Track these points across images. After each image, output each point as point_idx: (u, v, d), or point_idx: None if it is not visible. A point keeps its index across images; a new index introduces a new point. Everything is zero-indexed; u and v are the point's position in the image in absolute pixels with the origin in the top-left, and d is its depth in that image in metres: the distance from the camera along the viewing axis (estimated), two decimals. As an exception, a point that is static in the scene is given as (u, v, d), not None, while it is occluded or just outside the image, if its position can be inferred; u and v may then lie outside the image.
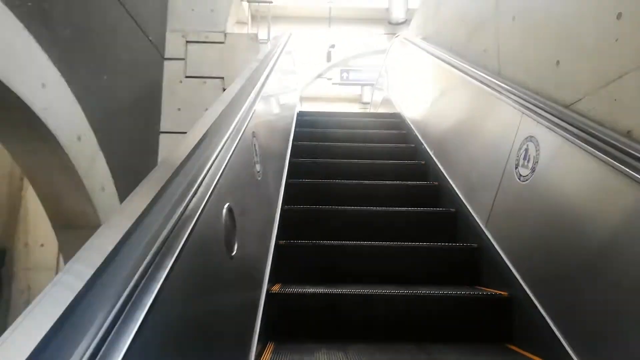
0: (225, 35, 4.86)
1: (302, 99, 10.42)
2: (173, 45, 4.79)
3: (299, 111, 5.16)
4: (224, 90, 4.82)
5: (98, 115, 3.33)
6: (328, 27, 10.73)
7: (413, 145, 4.02)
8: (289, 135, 4.09)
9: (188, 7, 4.87)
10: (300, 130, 4.41)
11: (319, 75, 10.96)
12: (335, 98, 16.17)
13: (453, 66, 3.22)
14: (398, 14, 10.28)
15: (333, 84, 11.67)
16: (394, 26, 10.75)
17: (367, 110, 6.59)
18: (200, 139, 1.22)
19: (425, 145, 3.64)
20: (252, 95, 2.13)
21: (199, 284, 1.01)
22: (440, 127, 3.48)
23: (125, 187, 3.84)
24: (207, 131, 1.32)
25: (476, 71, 2.78)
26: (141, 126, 4.36)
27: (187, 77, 4.75)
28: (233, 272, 1.33)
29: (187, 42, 4.81)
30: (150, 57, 4.50)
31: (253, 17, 10.45)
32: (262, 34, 5.81)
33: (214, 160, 1.23)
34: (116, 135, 3.83)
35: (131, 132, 4.15)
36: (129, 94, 4.12)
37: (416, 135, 3.91)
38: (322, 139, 4.29)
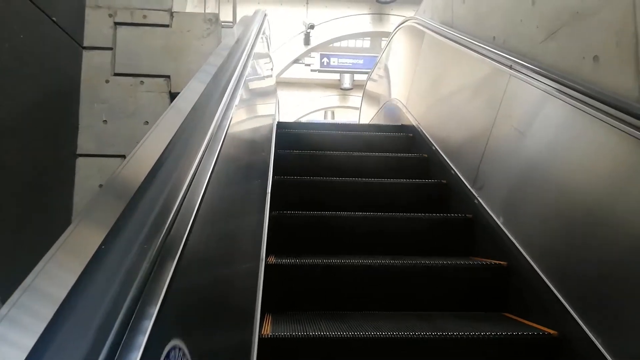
0: (172, 15, 3.44)
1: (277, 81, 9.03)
2: (95, 27, 3.35)
3: (278, 122, 3.82)
4: (171, 94, 3.44)
5: None
6: (305, 5, 9.28)
7: (461, 204, 2.64)
8: (267, 165, 2.75)
9: (116, -28, 3.41)
10: (282, 154, 3.09)
11: (296, 60, 9.55)
12: (312, 83, 14.75)
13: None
14: (387, -9, 8.95)
15: (312, 70, 10.28)
16: (381, 5, 9.39)
17: (367, 122, 5.27)
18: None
19: (491, 213, 2.32)
20: (222, 105, 1.39)
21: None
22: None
23: (17, 239, 2.49)
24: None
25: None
26: (45, 148, 2.95)
27: (116, 74, 3.33)
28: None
29: (117, 23, 3.37)
30: (59, 45, 3.06)
31: (218, -9, 8.91)
32: (226, 16, 4.38)
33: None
34: (4, 164, 2.46)
35: (29, 157, 2.75)
36: (24, 102, 2.71)
37: (459, 179, 2.62)
38: (315, 169, 2.98)
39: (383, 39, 12.18)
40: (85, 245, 0.64)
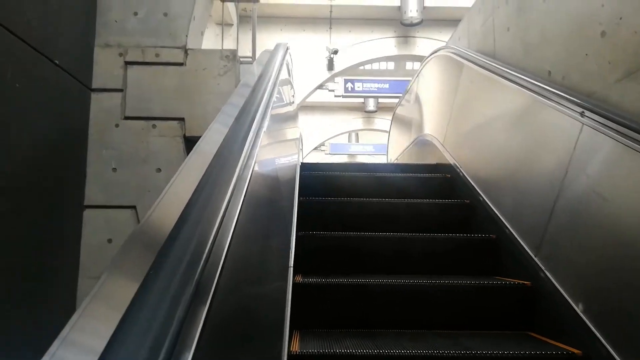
0: (186, 52, 3.19)
1: (299, 107, 8.78)
2: (105, 68, 3.12)
3: (302, 164, 3.49)
4: (185, 138, 3.17)
5: None
6: (328, 30, 9.07)
7: (518, 269, 2.25)
8: (290, 217, 2.41)
9: (127, 8, 3.19)
10: (306, 202, 2.75)
11: (319, 86, 9.31)
12: (336, 106, 14.53)
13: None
14: (412, 14, 8.64)
15: (336, 96, 10.02)
16: (407, 28, 9.10)
17: (397, 154, 4.90)
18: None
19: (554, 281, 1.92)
20: (245, 150, 1.33)
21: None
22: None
23: (17, 313, 2.22)
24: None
25: None
26: (50, 199, 2.70)
27: (126, 117, 3.08)
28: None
29: (127, 63, 3.13)
30: (64, 89, 2.82)
31: (241, 19, 8.79)
32: (244, 48, 4.13)
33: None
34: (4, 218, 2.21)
35: (30, 210, 2.49)
36: (26, 149, 2.47)
37: (515, 239, 2.22)
38: (345, 221, 2.64)
39: (408, 62, 11.88)
40: (119, 297, 0.64)
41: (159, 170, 3.01)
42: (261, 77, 2.47)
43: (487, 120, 2.68)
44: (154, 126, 3.07)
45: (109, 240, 2.93)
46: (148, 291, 0.64)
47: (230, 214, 1.03)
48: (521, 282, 2.00)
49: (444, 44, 9.12)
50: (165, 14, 3.21)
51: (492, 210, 2.46)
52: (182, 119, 3.09)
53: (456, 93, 3.21)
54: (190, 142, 3.08)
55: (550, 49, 2.35)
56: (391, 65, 13.14)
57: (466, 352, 1.56)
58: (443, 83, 3.70)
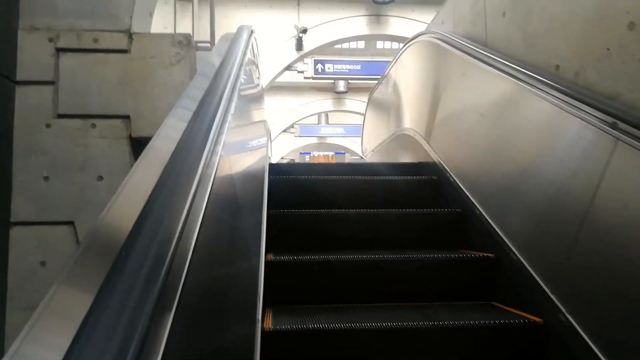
0: (131, 37, 2.70)
1: (267, 88, 8.28)
2: (31, 56, 2.60)
3: (271, 164, 3.09)
4: (132, 139, 2.70)
5: None
6: (297, 7, 8.53)
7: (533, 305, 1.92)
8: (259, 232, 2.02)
9: (58, -15, 2.66)
10: (276, 215, 2.36)
11: (288, 67, 8.80)
12: (305, 87, 14.02)
13: None
14: (385, -10, 8.20)
15: (305, 78, 9.54)
16: (379, 6, 8.65)
17: (373, 146, 4.50)
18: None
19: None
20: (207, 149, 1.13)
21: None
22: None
23: None
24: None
25: None
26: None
27: (59, 115, 2.59)
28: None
29: (59, 50, 2.62)
30: (-23, 84, 2.31)
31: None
32: (205, 31, 3.63)
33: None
34: None
35: None
36: None
37: (525, 270, 1.90)
38: (320, 235, 2.28)
39: (379, 41, 11.46)
40: (73, 308, 0.59)
41: (100, 178, 2.56)
42: (222, 66, 2.07)
43: (484, 120, 2.34)
44: (93, 126, 2.59)
45: (42, 263, 2.48)
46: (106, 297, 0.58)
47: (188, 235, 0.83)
48: (533, 321, 1.69)
49: (419, 24, 8.77)
50: (105, -9, 2.70)
51: (491, 226, 2.13)
52: (127, 117, 2.63)
53: (443, 85, 2.86)
54: (137, 144, 2.62)
55: (560, 39, 2.01)
56: (361, 44, 12.69)
57: None
58: (427, 73, 3.34)
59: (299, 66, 9.47)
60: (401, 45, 11.50)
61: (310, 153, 21.47)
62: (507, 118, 2.16)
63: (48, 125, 2.56)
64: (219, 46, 2.64)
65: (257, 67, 3.83)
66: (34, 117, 2.56)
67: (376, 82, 11.63)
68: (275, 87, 12.50)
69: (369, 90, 14.63)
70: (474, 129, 2.41)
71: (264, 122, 3.41)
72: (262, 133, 3.14)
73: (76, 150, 2.56)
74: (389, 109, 4.28)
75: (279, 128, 14.48)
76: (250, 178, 2.23)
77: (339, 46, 11.51)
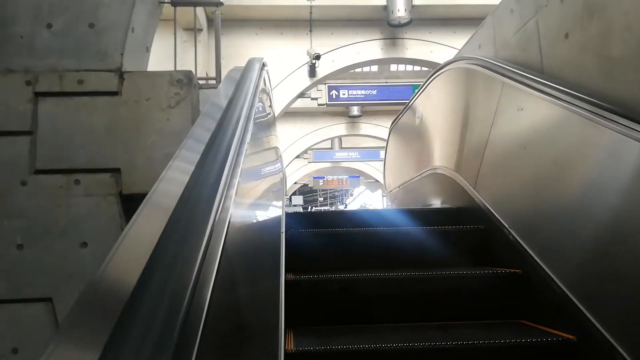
0: (121, 76, 2.31)
1: (279, 116, 7.91)
2: (5, 102, 2.22)
3: (289, 212, 2.65)
4: (123, 197, 2.28)
5: None
6: (309, 33, 8.22)
7: None
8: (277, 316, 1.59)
9: (38, 18, 2.30)
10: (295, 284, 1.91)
11: (301, 95, 8.45)
12: (318, 112, 13.68)
13: None
14: (400, 13, 7.85)
15: (319, 105, 9.18)
16: (394, 29, 8.30)
17: (398, 184, 4.05)
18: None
19: None
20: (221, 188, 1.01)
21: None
22: None
23: None
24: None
25: None
26: None
27: (37, 171, 2.19)
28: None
29: (38, 94, 2.24)
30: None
31: (210, 23, 7.88)
32: (210, 65, 3.25)
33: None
34: None
35: None
36: None
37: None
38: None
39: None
40: None
41: (84, 244, 2.14)
42: (230, 107, 1.69)
43: (556, 167, 1.87)
44: (77, 182, 2.19)
45: (14, 350, 2.05)
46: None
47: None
48: None
49: (436, 45, 8.38)
50: (92, 25, 2.33)
51: (572, 301, 1.65)
52: (116, 170, 2.22)
53: (489, 120, 2.40)
54: (129, 202, 2.21)
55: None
56: (375, 67, 12.36)
57: None
58: (465, 104, 2.89)
59: (313, 93, 9.13)
60: (420, 68, 11.12)
61: (324, 177, 21.13)
62: (591, 167, 1.69)
63: (24, 183, 2.16)
64: (225, 83, 2.24)
65: (270, 101, 3.44)
66: (7, 173, 2.17)
67: (393, 105, 11.28)
68: (288, 113, 12.19)
69: (385, 113, 14.33)
70: (541, 176, 1.95)
71: (279, 166, 2.98)
72: (278, 181, 2.71)
73: (56, 212, 2.15)
74: (416, 143, 3.84)
75: (291, 154, 14.12)
76: (266, 231, 1.82)
77: (352, 70, 11.19)
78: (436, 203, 3.17)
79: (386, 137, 14.12)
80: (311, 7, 7.87)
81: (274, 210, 2.23)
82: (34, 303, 2.09)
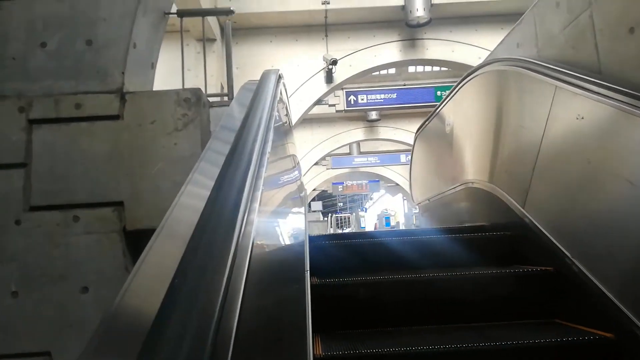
0: (123, 98, 2.07)
1: (296, 123, 7.66)
2: (-4, 133, 2.01)
3: (311, 237, 2.36)
4: (126, 234, 2.03)
5: None
6: (324, 38, 7.96)
7: None
8: None
9: (31, 37, 2.08)
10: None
11: (318, 102, 8.20)
12: (335, 117, 13.40)
13: None
14: (419, 13, 7.53)
15: (337, 111, 8.91)
16: (413, 29, 7.99)
17: (427, 196, 3.72)
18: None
19: None
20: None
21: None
22: None
23: None
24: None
25: None
26: None
27: (32, 208, 1.96)
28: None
29: (32, 122, 2.02)
30: None
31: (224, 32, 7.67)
32: (210, 77, 3.02)
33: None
34: None
35: None
36: None
37: None
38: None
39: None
40: None
41: (84, 290, 1.90)
42: (243, 133, 1.47)
43: (635, 190, 1.55)
44: (76, 218, 1.95)
45: (10, 413, 1.82)
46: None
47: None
48: None
49: (458, 45, 8.02)
50: (89, 42, 2.10)
51: None
52: (119, 204, 1.98)
53: (545, 130, 2.09)
54: (134, 239, 1.96)
55: None
56: (392, 69, 12.03)
57: None
58: (508, 112, 2.58)
59: (330, 99, 8.86)
60: (439, 68, 10.74)
61: (343, 183, 20.90)
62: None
63: (17, 222, 1.94)
64: (238, 101, 1.99)
65: (287, 112, 3.18)
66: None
67: (413, 108, 10.89)
68: (304, 120, 11.95)
69: (404, 116, 13.95)
70: (617, 201, 1.63)
71: (299, 188, 2.71)
72: (298, 205, 2.44)
73: (54, 254, 1.92)
74: (446, 153, 3.52)
75: (309, 162, 13.87)
76: (288, 262, 1.55)
77: (370, 74, 10.88)
78: (475, 221, 2.85)
79: (406, 140, 13.69)
80: (326, 11, 7.62)
81: (296, 237, 1.95)
82: (30, 358, 1.86)
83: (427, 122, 4.13)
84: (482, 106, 2.95)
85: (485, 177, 2.79)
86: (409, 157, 16.43)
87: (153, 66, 2.43)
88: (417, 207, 4.75)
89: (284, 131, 2.59)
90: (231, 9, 2.66)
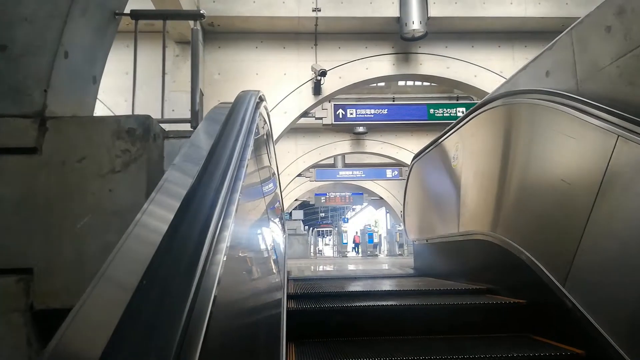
0: (43, 124, 1.54)
1: (278, 138, 7.14)
2: None
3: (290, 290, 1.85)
4: (34, 314, 1.49)
5: None
6: (314, 47, 7.48)
7: None
8: None
9: None
10: None
11: (304, 114, 7.70)
12: (322, 128, 12.89)
13: None
14: (414, 26, 7.11)
15: (324, 125, 8.40)
16: (407, 43, 7.56)
17: (425, 236, 3.23)
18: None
19: None
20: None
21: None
22: None
23: None
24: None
25: None
26: None
27: None
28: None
29: None
30: None
31: (206, 35, 7.13)
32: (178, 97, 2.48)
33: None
34: None
35: None
36: None
37: None
38: None
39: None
40: None
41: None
42: (206, 174, 0.95)
43: None
44: (-36, 292, 1.40)
45: None
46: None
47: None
48: None
49: (453, 61, 7.62)
50: (3, 48, 1.56)
51: None
52: (27, 272, 1.44)
53: (600, 188, 1.62)
54: (42, 323, 1.42)
55: None
56: (381, 82, 11.62)
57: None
58: (538, 157, 2.10)
59: (317, 112, 8.37)
60: (429, 84, 10.36)
61: (326, 194, 20.47)
62: None
63: None
64: (202, 133, 1.48)
65: (273, 154, 2.65)
66: None
67: (405, 126, 10.44)
68: (290, 130, 11.45)
69: (392, 130, 13.55)
70: None
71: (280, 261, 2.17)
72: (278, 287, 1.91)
73: None
74: (450, 190, 3.05)
75: (291, 174, 13.36)
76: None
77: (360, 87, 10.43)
78: (491, 287, 2.37)
79: (393, 155, 13.24)
80: (317, 18, 7.15)
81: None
82: None
83: (428, 150, 3.66)
84: (503, 144, 2.47)
85: (504, 232, 2.31)
86: (395, 172, 15.96)
87: (95, 81, 1.89)
88: (412, 242, 4.27)
89: (265, 179, 2.07)
90: (201, 12, 2.11)
